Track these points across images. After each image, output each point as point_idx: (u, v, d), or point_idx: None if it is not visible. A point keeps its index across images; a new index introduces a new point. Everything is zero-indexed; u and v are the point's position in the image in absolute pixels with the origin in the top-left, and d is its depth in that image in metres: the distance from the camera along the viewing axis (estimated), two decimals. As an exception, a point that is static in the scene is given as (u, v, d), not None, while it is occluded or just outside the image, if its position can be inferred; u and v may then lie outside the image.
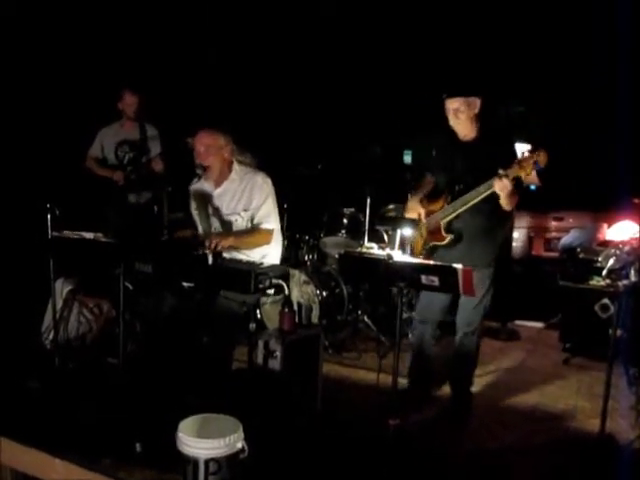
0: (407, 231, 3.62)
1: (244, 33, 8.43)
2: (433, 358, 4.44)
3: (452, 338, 4.37)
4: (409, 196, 4.31)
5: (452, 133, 4.08)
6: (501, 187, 3.67)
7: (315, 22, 8.80)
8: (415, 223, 3.80)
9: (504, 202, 3.82)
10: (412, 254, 4.15)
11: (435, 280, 3.21)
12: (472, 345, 4.22)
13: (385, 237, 5.51)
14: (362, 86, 9.08)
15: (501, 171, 3.65)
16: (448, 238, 4.01)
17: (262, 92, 8.58)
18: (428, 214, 4.13)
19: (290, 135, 8.50)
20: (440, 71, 7.99)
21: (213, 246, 3.66)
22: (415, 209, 4.18)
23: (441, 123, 4.07)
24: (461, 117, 3.95)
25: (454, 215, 3.96)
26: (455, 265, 3.12)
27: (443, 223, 4.01)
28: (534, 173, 3.70)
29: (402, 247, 4.01)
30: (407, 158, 11.44)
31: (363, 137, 9.14)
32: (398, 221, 3.68)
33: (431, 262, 3.33)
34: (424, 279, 3.23)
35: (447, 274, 3.16)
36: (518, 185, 3.77)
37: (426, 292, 4.25)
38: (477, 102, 3.95)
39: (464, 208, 3.89)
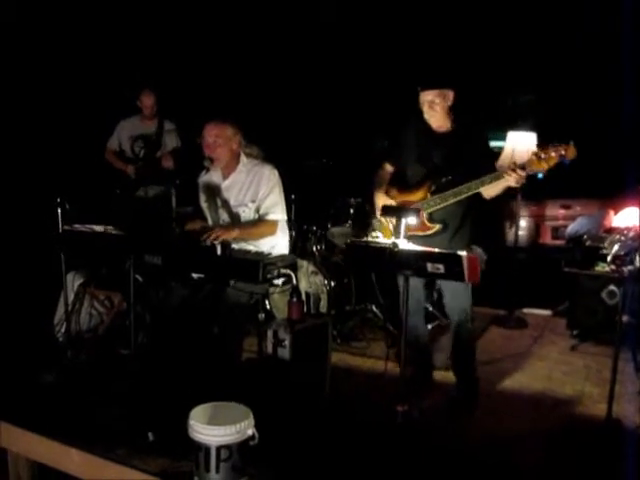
0: (412, 220, 3.63)
1: (254, 32, 8.50)
2: (429, 346, 4.54)
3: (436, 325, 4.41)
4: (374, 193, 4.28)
5: (425, 125, 4.07)
6: (517, 179, 3.66)
7: (320, 19, 8.86)
8: (417, 211, 3.81)
9: (492, 193, 3.87)
10: None
11: (440, 268, 3.25)
12: (469, 331, 4.24)
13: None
14: (367, 79, 9.12)
15: (514, 164, 3.66)
16: (435, 227, 3.99)
17: (270, 88, 8.64)
18: (402, 205, 4.05)
19: (297, 129, 8.55)
20: (446, 63, 8.02)
21: (213, 238, 3.72)
22: (384, 202, 4.10)
23: (412, 115, 4.09)
24: (436, 109, 3.94)
25: (442, 206, 3.93)
26: (460, 252, 3.16)
27: (426, 214, 3.97)
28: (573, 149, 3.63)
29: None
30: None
31: (369, 129, 9.19)
32: (403, 210, 3.68)
33: (436, 250, 3.35)
34: (430, 267, 3.27)
35: (452, 262, 3.19)
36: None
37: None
38: (451, 94, 3.95)
39: (458, 199, 3.87)
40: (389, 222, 4.14)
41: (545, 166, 3.60)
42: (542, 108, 9.17)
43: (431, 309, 5.03)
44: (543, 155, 3.59)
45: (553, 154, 3.56)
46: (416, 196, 4.05)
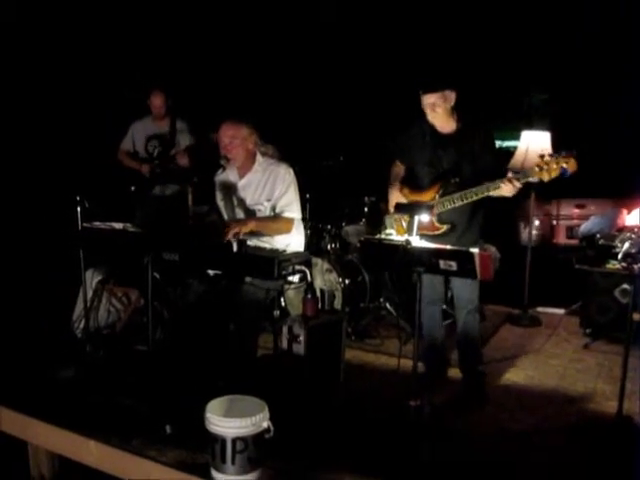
0: (424, 217, 3.70)
1: (269, 33, 8.57)
2: (445, 340, 4.55)
3: (452, 322, 4.46)
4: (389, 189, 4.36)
5: (431, 126, 4.13)
6: (509, 190, 3.76)
7: (335, 19, 8.92)
8: (429, 208, 3.88)
9: (493, 194, 3.89)
10: None
11: (453, 265, 3.30)
12: (476, 323, 4.29)
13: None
14: (381, 78, 9.15)
15: (510, 174, 3.76)
16: (444, 228, 4.06)
17: (285, 88, 8.70)
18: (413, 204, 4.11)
19: (312, 128, 8.60)
20: (448, 64, 8.07)
21: (232, 234, 3.79)
22: (398, 200, 4.18)
23: (417, 116, 4.15)
24: (438, 111, 4.00)
25: (450, 207, 3.99)
26: (472, 250, 3.21)
27: (435, 214, 4.04)
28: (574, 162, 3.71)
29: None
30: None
31: (382, 128, 9.23)
32: (415, 207, 3.74)
33: (448, 247, 3.40)
34: (442, 264, 3.32)
35: (465, 259, 3.24)
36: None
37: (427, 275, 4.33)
38: (452, 95, 4.00)
39: (465, 202, 3.93)
40: (402, 219, 4.21)
41: (546, 176, 3.70)
42: (556, 108, 9.19)
43: (444, 307, 5.06)
44: (545, 167, 3.69)
45: (554, 166, 3.66)
46: (426, 197, 4.11)
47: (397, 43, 9.10)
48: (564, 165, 3.63)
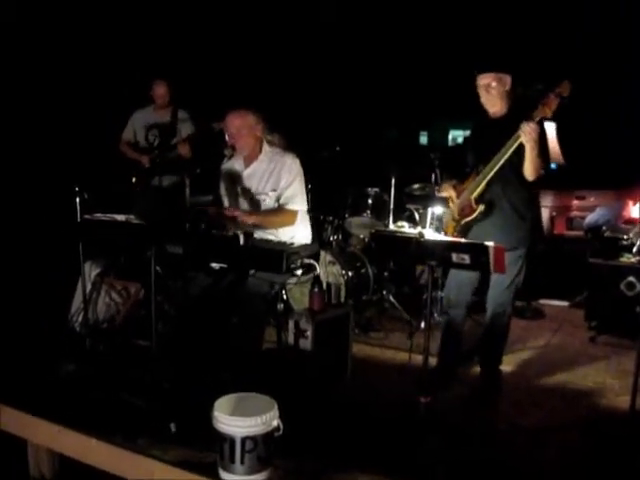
0: (438, 209, 3.62)
1: (266, 25, 8.52)
2: (462, 340, 4.45)
3: (476, 318, 4.36)
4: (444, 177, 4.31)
5: (483, 113, 4.09)
6: (527, 131, 3.66)
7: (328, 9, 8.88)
8: (445, 201, 3.79)
9: (528, 167, 3.81)
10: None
11: (466, 258, 3.22)
12: (502, 324, 4.22)
13: (416, 216, 5.49)
14: (377, 69, 9.11)
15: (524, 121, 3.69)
16: (479, 209, 3.95)
17: (282, 80, 8.65)
18: (459, 195, 4.10)
19: (306, 118, 8.53)
20: (455, 55, 8.01)
21: (237, 214, 3.71)
22: (447, 191, 4.16)
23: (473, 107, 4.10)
24: (492, 92, 3.96)
25: (484, 183, 3.93)
26: (487, 243, 3.13)
27: (473, 197, 3.98)
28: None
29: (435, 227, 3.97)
30: (423, 139, 11.45)
31: (379, 119, 9.18)
32: (429, 199, 3.67)
33: (462, 240, 3.32)
34: (455, 257, 3.25)
35: (478, 252, 3.17)
36: (545, 160, 3.86)
37: (455, 276, 4.25)
38: (508, 79, 3.97)
39: (495, 170, 3.86)
40: (453, 219, 4.16)
41: (548, 111, 3.69)
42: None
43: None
44: (546, 100, 3.69)
45: (552, 96, 3.67)
46: (467, 183, 4.08)
47: (393, 40, 9.04)
48: (559, 91, 3.67)
